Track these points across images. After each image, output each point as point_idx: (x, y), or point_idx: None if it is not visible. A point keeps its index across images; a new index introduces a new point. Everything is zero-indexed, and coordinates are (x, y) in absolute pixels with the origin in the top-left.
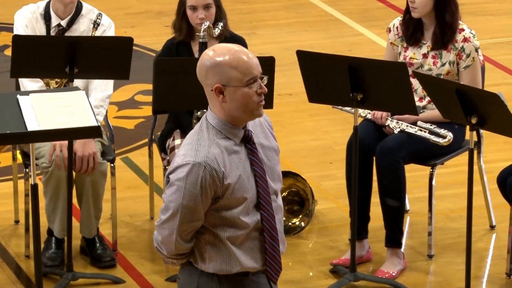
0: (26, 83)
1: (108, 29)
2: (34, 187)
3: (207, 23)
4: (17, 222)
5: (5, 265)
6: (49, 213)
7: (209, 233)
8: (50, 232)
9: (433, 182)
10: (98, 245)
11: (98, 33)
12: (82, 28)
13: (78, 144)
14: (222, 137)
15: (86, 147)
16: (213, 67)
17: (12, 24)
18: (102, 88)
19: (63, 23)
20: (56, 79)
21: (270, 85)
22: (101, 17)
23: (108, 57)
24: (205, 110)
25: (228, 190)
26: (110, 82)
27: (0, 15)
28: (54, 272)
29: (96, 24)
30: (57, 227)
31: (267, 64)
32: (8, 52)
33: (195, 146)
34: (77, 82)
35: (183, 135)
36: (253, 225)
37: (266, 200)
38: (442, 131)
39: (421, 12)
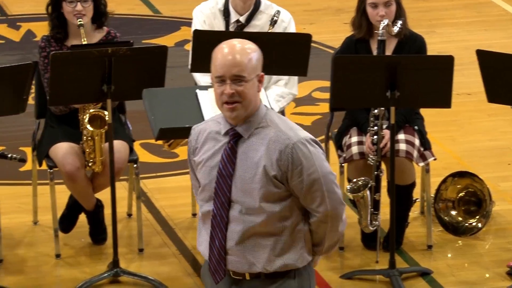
0: (199, 78)
1: (288, 25)
2: None
3: (386, 21)
4: (194, 215)
5: (182, 257)
6: None
7: None
8: None
9: None
10: None
11: (279, 29)
12: (260, 24)
13: None
14: (220, 122)
15: None
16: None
17: (192, 19)
18: (289, 86)
19: (242, 19)
20: None
21: (448, 84)
22: (279, 14)
23: (286, 53)
24: (382, 108)
25: (195, 165)
26: (295, 84)
27: (179, 10)
28: None
29: (273, 22)
30: None
31: (445, 62)
32: (188, 46)
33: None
34: None
35: (360, 132)
36: (205, 213)
37: (220, 200)
38: None
39: None
